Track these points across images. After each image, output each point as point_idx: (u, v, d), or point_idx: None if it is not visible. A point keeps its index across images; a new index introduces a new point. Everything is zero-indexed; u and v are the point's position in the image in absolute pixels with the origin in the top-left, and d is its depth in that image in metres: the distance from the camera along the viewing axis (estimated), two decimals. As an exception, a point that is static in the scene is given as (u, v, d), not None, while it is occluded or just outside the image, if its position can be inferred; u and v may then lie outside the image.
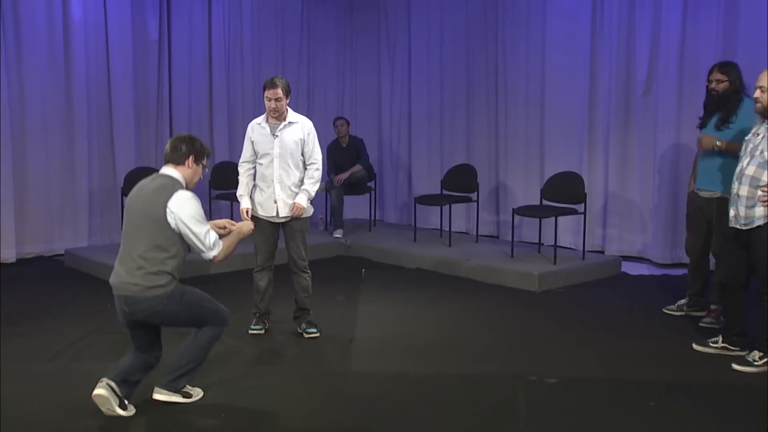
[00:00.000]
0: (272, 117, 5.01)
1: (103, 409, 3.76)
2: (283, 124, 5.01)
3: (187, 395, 3.97)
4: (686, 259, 5.78)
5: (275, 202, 5.04)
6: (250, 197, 5.13)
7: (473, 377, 4.41)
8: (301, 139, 5.03)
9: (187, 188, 3.88)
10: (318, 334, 5.17)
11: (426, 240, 7.99)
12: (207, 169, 4.08)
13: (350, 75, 9.85)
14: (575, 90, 7.72)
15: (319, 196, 8.71)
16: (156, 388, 3.92)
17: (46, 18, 7.40)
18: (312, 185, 5.08)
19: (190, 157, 3.89)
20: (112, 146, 7.97)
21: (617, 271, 7.10)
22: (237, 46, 8.70)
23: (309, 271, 5.20)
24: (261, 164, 5.08)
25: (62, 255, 7.55)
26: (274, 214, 5.06)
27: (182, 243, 3.83)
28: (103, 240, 7.90)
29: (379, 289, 6.52)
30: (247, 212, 5.05)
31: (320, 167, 5.12)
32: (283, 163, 5.01)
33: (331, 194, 8.32)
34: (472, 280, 6.81)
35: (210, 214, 8.05)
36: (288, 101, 5.01)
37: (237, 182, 5.19)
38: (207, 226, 3.85)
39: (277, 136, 5.01)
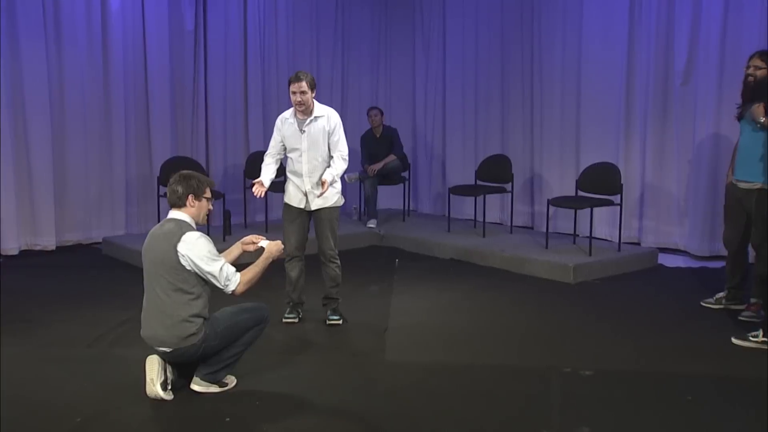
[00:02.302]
0: (299, 111, 5.02)
1: (147, 378, 3.84)
2: (310, 119, 5.02)
3: (224, 385, 4.02)
4: (724, 252, 5.68)
5: (305, 194, 5.08)
6: (284, 189, 5.22)
7: (507, 368, 4.39)
8: (327, 131, 5.04)
9: (197, 225, 3.95)
10: (340, 322, 5.20)
11: (460, 230, 7.96)
12: (214, 200, 4.09)
13: (384, 65, 9.83)
14: (612, 79, 7.61)
15: (353, 186, 8.74)
16: (194, 379, 3.97)
17: (84, 8, 7.49)
18: (335, 169, 5.03)
19: (189, 197, 3.90)
20: (149, 136, 8.05)
21: (654, 263, 7.01)
22: (272, 36, 8.73)
23: (337, 261, 5.21)
24: (291, 158, 5.13)
25: (100, 243, 7.66)
26: (303, 206, 5.10)
27: (203, 282, 3.88)
28: (140, 229, 8.00)
29: (412, 279, 6.52)
30: (260, 183, 5.02)
31: (346, 158, 5.10)
32: (311, 158, 5.04)
33: (365, 184, 8.33)
34: (506, 271, 6.77)
35: (245, 204, 8.11)
36: (314, 95, 4.99)
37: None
38: (220, 263, 3.86)
39: (304, 131, 5.03)
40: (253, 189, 5.02)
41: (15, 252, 7.20)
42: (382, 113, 8.49)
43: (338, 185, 5.18)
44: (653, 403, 3.90)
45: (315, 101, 5.05)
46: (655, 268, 6.93)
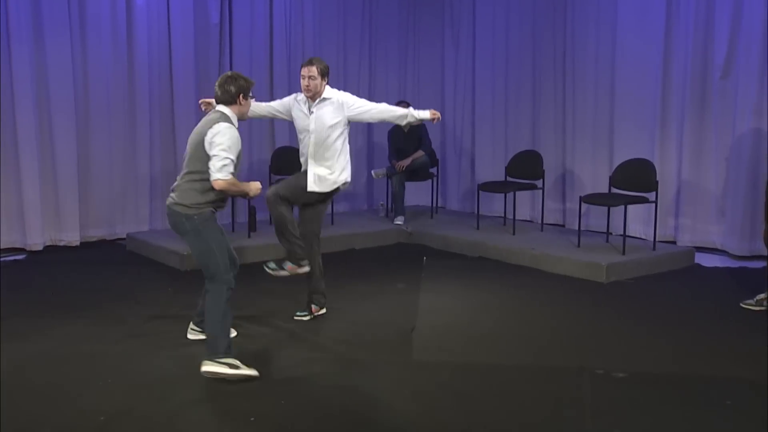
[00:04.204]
0: (307, 96, 5.10)
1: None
2: (318, 100, 5.09)
3: (235, 366, 4.13)
4: (765, 251, 5.61)
5: (308, 175, 5.13)
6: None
7: (537, 369, 4.37)
8: (340, 106, 5.07)
9: (242, 119, 4.45)
10: (306, 318, 5.25)
11: (489, 228, 7.94)
12: (254, 97, 4.56)
13: (413, 59, 9.81)
14: (648, 73, 7.53)
15: (380, 182, 8.76)
16: (204, 362, 4.14)
17: (109, 3, 7.56)
18: (402, 110, 5.24)
19: (240, 96, 4.36)
20: (173, 131, 8.11)
21: (690, 262, 6.94)
22: (298, 29, 8.75)
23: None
24: (301, 140, 5.21)
25: (124, 239, 7.74)
26: (304, 185, 5.12)
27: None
28: (164, 225, 8.02)
29: (440, 278, 6.51)
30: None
31: (381, 104, 5.22)
32: (318, 139, 5.09)
33: (392, 180, 8.33)
34: (537, 270, 6.74)
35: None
36: (324, 82, 5.06)
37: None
38: (230, 157, 4.17)
39: (312, 112, 5.09)
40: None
41: (39, 247, 7.31)
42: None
43: (346, 171, 5.20)
44: (690, 407, 3.86)
45: (328, 87, 5.12)
46: (691, 267, 6.86)
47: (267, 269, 5.10)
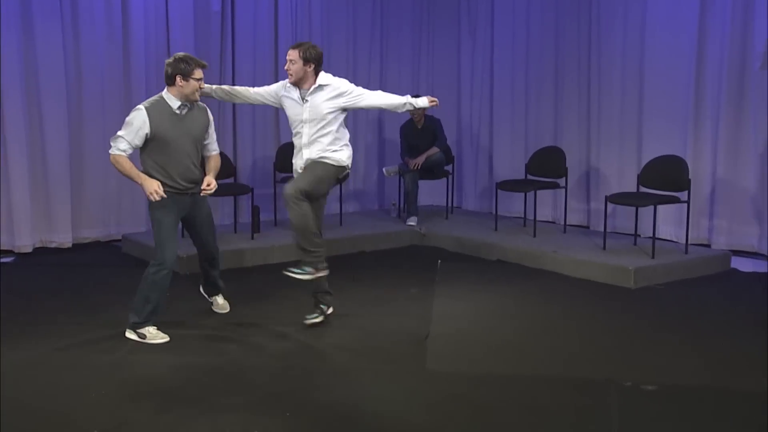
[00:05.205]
0: (291, 81, 5.06)
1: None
2: (313, 87, 5.03)
3: (142, 336, 4.86)
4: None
5: (303, 169, 5.10)
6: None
7: (560, 381, 4.33)
8: (337, 95, 5.01)
9: (189, 101, 4.80)
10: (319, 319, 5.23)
11: (508, 229, 7.92)
12: (202, 80, 4.82)
13: (427, 50, 9.80)
14: (680, 63, 7.48)
15: (392, 180, 8.73)
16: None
17: (104, -13, 7.59)
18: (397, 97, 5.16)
19: (177, 77, 4.73)
20: (172, 125, 8.11)
21: (726, 267, 6.89)
22: (305, 18, 8.74)
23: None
24: (295, 132, 5.14)
25: (119, 240, 7.75)
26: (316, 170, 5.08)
27: (153, 155, 4.78)
28: (162, 225, 8.07)
29: (456, 282, 6.49)
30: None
31: (378, 92, 5.21)
32: (312, 129, 5.04)
33: (405, 179, 8.30)
34: (559, 274, 6.71)
35: (275, 200, 8.11)
36: (310, 69, 4.99)
37: None
38: (123, 134, 4.70)
39: (307, 100, 5.04)
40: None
41: (29, 249, 7.33)
42: (424, 103, 8.43)
43: (347, 150, 5.15)
44: (725, 422, 3.81)
45: (323, 73, 5.07)
46: (727, 272, 6.81)
47: (290, 273, 5.03)
